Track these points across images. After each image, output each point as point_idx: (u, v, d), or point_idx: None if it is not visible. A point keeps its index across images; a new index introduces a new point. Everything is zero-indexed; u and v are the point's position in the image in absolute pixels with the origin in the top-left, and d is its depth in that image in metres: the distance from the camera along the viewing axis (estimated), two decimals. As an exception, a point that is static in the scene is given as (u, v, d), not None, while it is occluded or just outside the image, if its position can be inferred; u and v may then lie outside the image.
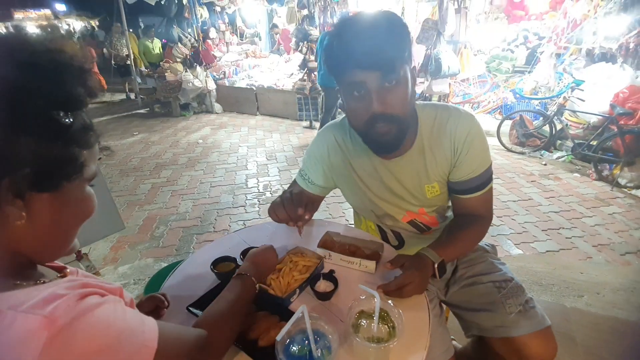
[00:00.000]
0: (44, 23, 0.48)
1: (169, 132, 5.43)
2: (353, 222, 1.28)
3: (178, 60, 7.19)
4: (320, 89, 5.15)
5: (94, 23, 13.65)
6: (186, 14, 8.25)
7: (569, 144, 3.81)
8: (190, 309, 0.78)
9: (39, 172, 0.42)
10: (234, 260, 0.92)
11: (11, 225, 0.43)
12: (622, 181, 3.12)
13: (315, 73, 5.32)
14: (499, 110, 5.24)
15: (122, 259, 2.33)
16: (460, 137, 0.89)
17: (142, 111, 6.90)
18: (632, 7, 3.82)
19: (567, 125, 3.81)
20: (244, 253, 0.93)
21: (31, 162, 0.41)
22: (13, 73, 0.40)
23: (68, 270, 0.56)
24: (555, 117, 3.79)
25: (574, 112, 3.79)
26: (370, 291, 0.68)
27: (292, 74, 6.22)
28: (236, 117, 6.24)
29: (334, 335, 0.63)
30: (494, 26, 6.18)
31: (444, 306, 1.08)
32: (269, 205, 0.96)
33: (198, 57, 7.30)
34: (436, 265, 0.81)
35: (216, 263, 0.90)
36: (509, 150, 4.13)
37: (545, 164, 3.73)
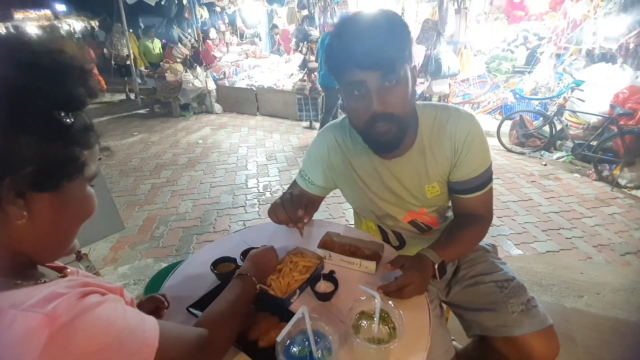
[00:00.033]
0: (45, 23, 0.48)
1: (169, 132, 5.43)
2: (353, 223, 1.28)
3: (178, 60, 7.20)
4: (320, 89, 5.15)
5: (94, 23, 13.66)
6: (186, 15, 8.26)
7: (569, 144, 3.81)
8: (190, 309, 0.78)
9: (40, 171, 0.42)
10: (234, 260, 0.92)
11: (12, 225, 0.43)
12: (622, 181, 3.12)
13: (315, 73, 5.32)
14: (499, 111, 5.24)
15: (122, 259, 2.33)
16: (460, 137, 0.90)
17: (142, 111, 6.90)
18: (632, 7, 3.82)
19: (567, 125, 3.81)
20: (244, 254, 0.93)
21: (32, 161, 0.41)
22: (14, 73, 0.41)
23: (68, 270, 0.57)
24: (555, 118, 3.79)
25: (574, 112, 3.79)
26: (371, 292, 0.68)
27: (292, 74, 6.22)
28: (236, 118, 6.24)
29: (334, 336, 0.63)
30: (494, 26, 6.18)
31: (444, 307, 1.08)
32: (269, 205, 0.96)
33: (198, 58, 7.31)
34: (436, 266, 0.81)
35: (216, 263, 0.90)
36: (509, 150, 4.13)
37: (545, 164, 3.73)
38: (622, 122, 3.25)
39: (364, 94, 0.79)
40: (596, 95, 3.59)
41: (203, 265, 0.91)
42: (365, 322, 0.67)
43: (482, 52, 6.06)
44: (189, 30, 9.10)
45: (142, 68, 7.74)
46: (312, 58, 5.24)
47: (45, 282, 0.46)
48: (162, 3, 7.97)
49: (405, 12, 5.92)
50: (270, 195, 3.22)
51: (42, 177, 0.43)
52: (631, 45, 3.77)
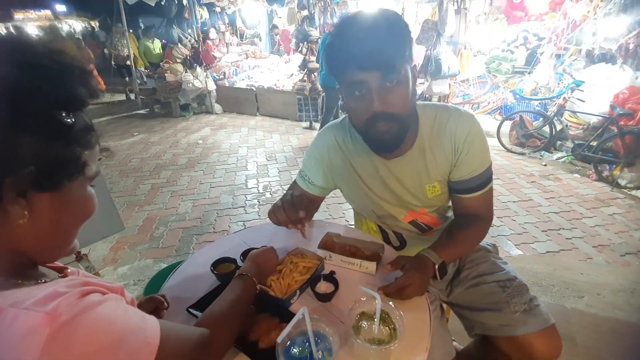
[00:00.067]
0: (46, 24, 0.49)
1: (169, 132, 5.43)
2: (354, 223, 1.28)
3: (178, 60, 7.20)
4: (320, 89, 5.15)
5: (94, 24, 13.67)
6: (186, 15, 8.27)
7: (569, 144, 3.81)
8: (190, 310, 0.78)
9: (41, 171, 0.42)
10: (234, 261, 0.92)
11: (13, 225, 0.43)
12: (622, 182, 3.12)
13: (315, 74, 5.32)
14: (498, 111, 5.24)
15: (122, 259, 2.33)
16: (460, 137, 0.90)
17: (142, 112, 6.90)
18: (632, 8, 3.82)
19: (567, 126, 3.81)
20: (244, 254, 0.93)
21: (33, 161, 0.42)
22: (15, 73, 0.41)
23: (69, 270, 0.57)
24: (555, 118, 3.79)
25: (574, 112, 3.79)
26: (371, 292, 0.68)
27: (292, 74, 6.23)
28: (236, 118, 6.24)
29: (334, 337, 0.63)
30: (494, 27, 6.18)
31: (445, 307, 1.08)
32: (269, 206, 0.96)
33: (198, 58, 7.31)
34: (437, 267, 0.81)
35: (216, 264, 0.90)
36: (509, 150, 4.13)
37: (545, 165, 3.73)
38: (622, 123, 3.25)
39: (365, 94, 0.79)
40: (596, 96, 3.60)
41: (203, 266, 0.91)
42: (365, 323, 0.67)
43: (482, 53, 6.06)
44: (189, 31, 9.11)
45: (142, 68, 7.74)
46: (312, 58, 5.24)
47: (45, 282, 0.47)
48: (162, 3, 7.98)
49: (405, 12, 5.92)
50: (270, 196, 3.22)
51: (43, 176, 0.43)
52: (631, 46, 3.77)
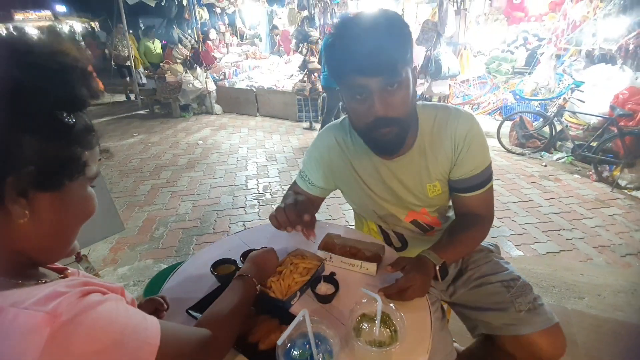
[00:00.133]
0: (47, 25, 0.49)
1: (169, 133, 5.42)
2: (354, 224, 1.27)
3: (178, 61, 7.20)
4: (320, 90, 5.16)
5: (94, 24, 13.67)
6: (186, 15, 8.27)
7: (569, 145, 3.81)
8: (190, 311, 0.77)
9: (42, 170, 0.43)
10: (234, 262, 0.91)
11: (14, 224, 0.44)
12: (622, 182, 3.12)
13: (315, 74, 5.32)
14: (498, 112, 5.24)
15: (122, 260, 2.33)
16: (460, 136, 0.90)
17: (142, 112, 6.90)
18: (632, 8, 3.82)
19: (567, 126, 3.81)
20: (244, 255, 0.93)
21: (35, 161, 0.42)
22: (17, 74, 0.41)
23: (69, 271, 0.57)
24: (555, 119, 3.79)
25: (574, 113, 3.79)
26: (372, 294, 0.68)
27: (292, 75, 6.23)
28: (236, 118, 6.24)
29: (335, 339, 0.63)
30: (494, 28, 6.18)
31: (446, 308, 1.07)
32: (269, 206, 0.96)
33: (198, 58, 7.32)
34: (437, 268, 0.81)
35: (216, 265, 0.90)
36: (509, 151, 4.13)
37: (545, 165, 3.73)
38: (622, 123, 3.25)
39: (366, 98, 0.79)
40: (596, 96, 3.59)
41: (203, 267, 0.91)
42: (366, 325, 0.67)
43: (482, 53, 6.06)
44: (189, 31, 9.11)
45: (141, 69, 7.75)
46: (312, 59, 5.24)
47: (46, 282, 0.47)
48: (162, 4, 7.98)
49: (405, 13, 5.92)
50: (270, 196, 3.21)
51: (43, 176, 0.43)
52: (631, 47, 3.77)
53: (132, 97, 7.72)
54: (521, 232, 2.52)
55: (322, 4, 6.26)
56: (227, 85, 6.59)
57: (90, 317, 0.41)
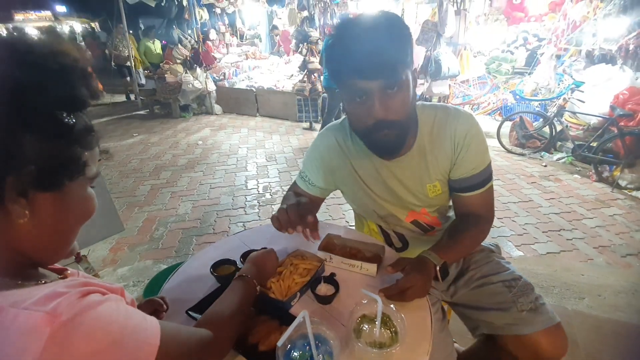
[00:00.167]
0: (47, 25, 0.49)
1: (169, 133, 5.42)
2: (354, 225, 1.27)
3: (178, 61, 7.20)
4: (320, 90, 5.15)
5: (94, 25, 13.67)
6: (186, 16, 8.26)
7: (569, 145, 3.81)
8: (190, 312, 0.77)
9: (42, 170, 0.43)
10: (233, 263, 0.91)
11: (14, 224, 0.44)
12: (623, 183, 3.12)
13: (315, 75, 5.32)
14: (498, 112, 5.24)
15: (122, 260, 2.32)
16: (460, 135, 0.90)
17: (141, 112, 6.90)
18: (632, 8, 3.82)
19: (567, 126, 3.81)
20: (244, 256, 0.93)
21: (35, 160, 0.42)
22: (18, 73, 0.41)
23: (69, 272, 0.57)
24: (555, 119, 3.79)
25: (574, 113, 3.79)
26: (373, 295, 0.68)
27: (292, 75, 6.23)
28: (236, 119, 6.24)
29: (335, 340, 0.63)
30: (494, 28, 6.19)
31: (446, 309, 1.07)
32: (269, 206, 0.95)
33: (198, 59, 7.31)
34: (438, 268, 0.81)
35: (216, 266, 0.90)
36: (509, 151, 4.12)
37: (545, 166, 3.73)
38: (622, 124, 3.25)
39: (366, 101, 0.79)
40: (596, 97, 3.59)
41: (202, 268, 0.91)
42: (366, 326, 0.67)
43: (481, 53, 6.07)
44: (189, 32, 9.10)
45: (141, 69, 7.74)
46: (312, 59, 5.24)
47: (45, 282, 0.47)
48: (162, 4, 7.98)
49: (405, 13, 5.92)
50: (270, 197, 3.21)
51: (44, 176, 0.43)
52: (631, 47, 3.78)
53: (132, 97, 7.72)
54: (521, 233, 2.52)
55: (322, 4, 6.26)
56: (227, 85, 6.59)
57: (90, 317, 0.41)
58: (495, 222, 2.38)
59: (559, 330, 0.87)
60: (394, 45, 0.76)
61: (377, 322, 0.65)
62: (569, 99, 3.76)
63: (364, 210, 1.11)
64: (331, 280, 0.83)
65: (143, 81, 7.54)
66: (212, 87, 6.37)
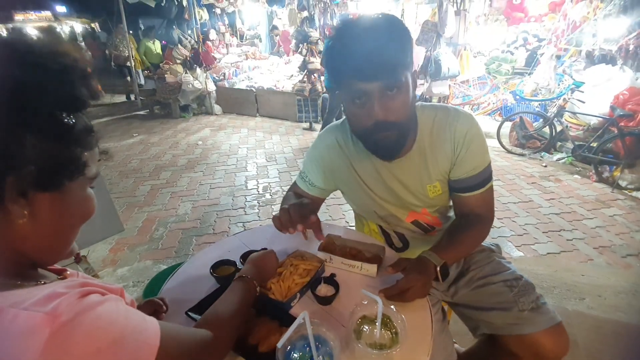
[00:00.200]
0: (48, 25, 0.49)
1: (169, 133, 5.42)
2: (354, 225, 1.27)
3: (178, 61, 7.20)
4: (321, 90, 5.15)
5: (94, 25, 13.67)
6: (186, 16, 8.26)
7: (569, 145, 3.81)
8: (189, 313, 0.77)
9: (42, 170, 0.43)
10: (233, 263, 0.91)
11: (14, 224, 0.44)
12: (623, 183, 3.12)
13: (315, 75, 5.32)
14: (498, 112, 5.24)
15: (121, 261, 2.32)
16: (460, 135, 0.90)
17: (141, 113, 6.89)
18: (632, 9, 3.83)
19: (567, 126, 3.81)
20: (244, 257, 0.93)
21: (35, 160, 0.42)
22: (18, 74, 0.41)
23: (68, 272, 0.57)
24: (556, 119, 3.79)
25: (574, 113, 3.79)
26: (373, 296, 0.67)
27: (292, 75, 6.23)
28: (236, 119, 6.24)
29: (335, 341, 0.62)
30: (494, 28, 6.20)
31: (447, 310, 1.07)
32: (268, 207, 0.95)
33: (198, 59, 7.31)
34: (438, 268, 0.80)
35: (216, 267, 0.89)
36: (509, 152, 4.12)
37: (545, 166, 3.73)
38: (622, 124, 3.25)
39: (365, 102, 0.79)
40: (596, 97, 3.60)
41: (202, 268, 0.91)
42: (367, 327, 0.67)
43: (481, 54, 6.07)
44: (189, 32, 9.11)
45: (140, 70, 7.74)
46: (312, 59, 5.24)
47: (45, 283, 0.47)
48: (162, 4, 7.97)
49: (405, 13, 5.93)
50: (270, 197, 3.21)
51: (44, 176, 0.44)
52: (631, 47, 3.78)
53: (132, 97, 7.72)
54: (521, 233, 2.52)
55: (322, 5, 6.26)
56: (226, 85, 6.59)
57: (90, 318, 0.41)
58: (495, 222, 2.38)
59: (561, 330, 0.87)
60: (394, 46, 0.76)
61: (377, 323, 0.65)
62: (569, 99, 3.76)
63: (364, 211, 1.11)
64: (331, 281, 0.83)
65: (142, 81, 7.55)
66: (212, 87, 6.37)
